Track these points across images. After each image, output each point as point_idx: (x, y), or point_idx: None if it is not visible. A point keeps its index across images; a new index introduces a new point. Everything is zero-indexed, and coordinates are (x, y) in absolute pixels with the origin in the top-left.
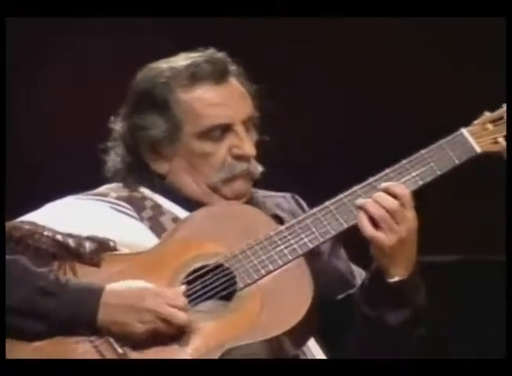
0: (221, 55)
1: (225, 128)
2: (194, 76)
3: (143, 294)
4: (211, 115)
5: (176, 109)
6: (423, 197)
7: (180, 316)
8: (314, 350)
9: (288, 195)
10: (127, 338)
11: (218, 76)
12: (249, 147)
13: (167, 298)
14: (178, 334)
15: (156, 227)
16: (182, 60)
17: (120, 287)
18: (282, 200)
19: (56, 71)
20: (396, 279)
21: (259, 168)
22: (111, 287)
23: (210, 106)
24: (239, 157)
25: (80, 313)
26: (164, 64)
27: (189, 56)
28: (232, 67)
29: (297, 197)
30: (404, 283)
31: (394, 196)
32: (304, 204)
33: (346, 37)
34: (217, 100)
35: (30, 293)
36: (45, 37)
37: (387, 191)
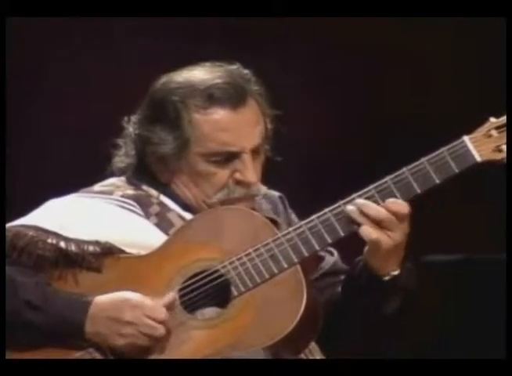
0: (244, 73)
1: (233, 155)
2: (211, 98)
3: (123, 305)
4: (221, 141)
5: (188, 128)
6: (424, 196)
7: (158, 329)
8: (314, 351)
9: (277, 195)
10: (112, 350)
11: (236, 101)
12: (251, 175)
13: (146, 309)
14: (171, 342)
15: (164, 222)
16: (201, 75)
17: (105, 299)
18: (277, 201)
19: (56, 71)
20: (391, 275)
21: (261, 190)
22: (98, 299)
23: (221, 132)
24: (241, 183)
25: (68, 326)
26: (181, 77)
27: (211, 70)
28: (254, 87)
29: (283, 197)
30: (398, 277)
31: (394, 214)
32: (287, 206)
33: (344, 37)
34: (229, 127)
35: (17, 306)
36: (45, 37)
37: (387, 209)
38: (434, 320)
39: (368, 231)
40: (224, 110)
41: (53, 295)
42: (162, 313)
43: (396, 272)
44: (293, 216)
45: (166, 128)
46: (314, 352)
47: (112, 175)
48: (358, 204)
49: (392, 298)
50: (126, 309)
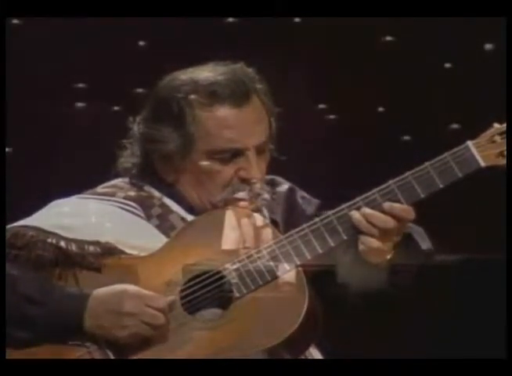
0: (248, 71)
1: (236, 152)
2: (214, 95)
3: (123, 297)
4: (224, 138)
5: (191, 125)
6: (423, 197)
7: (159, 317)
8: (313, 353)
9: (285, 188)
10: (114, 343)
11: (238, 98)
12: (256, 172)
13: (145, 299)
14: (172, 343)
15: (165, 224)
16: (206, 73)
17: (104, 292)
18: (284, 196)
19: (56, 71)
20: (387, 259)
21: (266, 189)
22: (97, 292)
23: (224, 129)
24: (245, 180)
25: (67, 320)
26: (186, 75)
27: (215, 68)
28: (258, 86)
29: (293, 189)
30: (393, 258)
31: (400, 220)
32: (299, 198)
33: (343, 38)
34: (233, 124)
35: (16, 301)
36: (45, 37)
37: (394, 216)
38: (435, 320)
39: (370, 241)
40: (227, 107)
41: (51, 289)
42: (161, 302)
43: (390, 256)
44: (305, 205)
45: (170, 126)
46: (313, 353)
47: (117, 175)
48: (364, 214)
49: (394, 275)
50: (126, 300)
